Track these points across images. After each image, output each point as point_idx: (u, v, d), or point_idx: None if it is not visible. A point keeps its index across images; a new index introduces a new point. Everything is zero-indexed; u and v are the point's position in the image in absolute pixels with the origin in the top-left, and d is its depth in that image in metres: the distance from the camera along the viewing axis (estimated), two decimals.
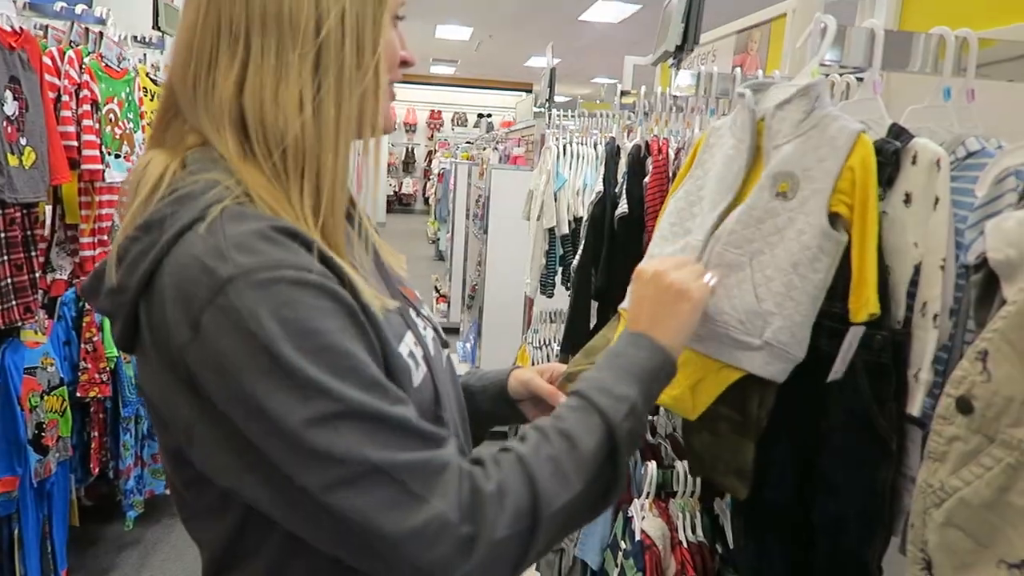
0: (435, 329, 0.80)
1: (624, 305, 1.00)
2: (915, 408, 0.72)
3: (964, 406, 0.62)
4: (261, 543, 0.65)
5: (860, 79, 1.29)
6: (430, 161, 14.18)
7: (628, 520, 1.58)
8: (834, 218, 0.78)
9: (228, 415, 0.57)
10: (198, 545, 0.71)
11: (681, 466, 1.52)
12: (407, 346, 0.68)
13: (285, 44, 0.64)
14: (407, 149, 15.26)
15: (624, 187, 1.62)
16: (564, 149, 2.53)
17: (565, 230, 2.48)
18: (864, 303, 0.76)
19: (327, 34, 0.64)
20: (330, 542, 0.59)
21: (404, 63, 0.73)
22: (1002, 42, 0.86)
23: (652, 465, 1.50)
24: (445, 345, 0.82)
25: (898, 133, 0.76)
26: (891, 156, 0.75)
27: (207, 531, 0.68)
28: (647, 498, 1.51)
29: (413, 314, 0.76)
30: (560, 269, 2.55)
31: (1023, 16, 1.11)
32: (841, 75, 1.24)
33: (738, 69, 1.35)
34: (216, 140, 0.65)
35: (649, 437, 1.89)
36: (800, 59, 0.87)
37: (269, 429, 0.56)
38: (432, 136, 14.99)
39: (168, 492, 2.78)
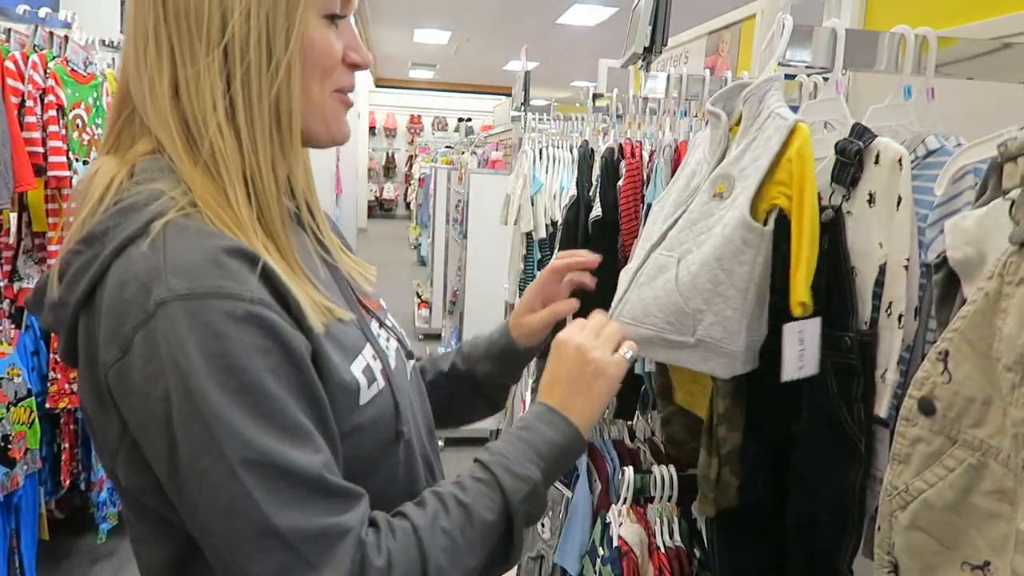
0: (399, 341, 0.79)
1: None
2: (882, 409, 0.72)
3: (926, 407, 0.62)
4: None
5: (826, 79, 1.29)
6: (411, 166, 14.14)
7: (606, 526, 1.57)
8: (776, 211, 0.78)
9: (142, 439, 0.56)
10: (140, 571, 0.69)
11: (658, 471, 1.52)
12: (364, 360, 0.67)
13: (195, 44, 0.62)
14: (387, 154, 15.21)
15: (598, 191, 1.61)
16: (540, 153, 2.52)
17: (543, 234, 2.48)
18: (794, 294, 0.76)
19: (232, 33, 0.62)
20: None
21: (354, 66, 0.71)
22: (962, 40, 0.87)
23: (630, 470, 1.49)
24: (410, 356, 0.81)
25: (860, 133, 0.76)
26: (854, 156, 0.75)
27: (147, 555, 0.66)
28: (624, 504, 1.50)
29: (375, 326, 0.74)
30: (538, 273, 2.53)
31: (985, 14, 1.12)
32: (809, 75, 1.24)
33: (707, 71, 1.35)
34: (167, 143, 0.63)
35: (628, 442, 1.88)
36: (768, 60, 0.86)
37: (177, 465, 0.55)
38: (412, 141, 14.95)
39: None
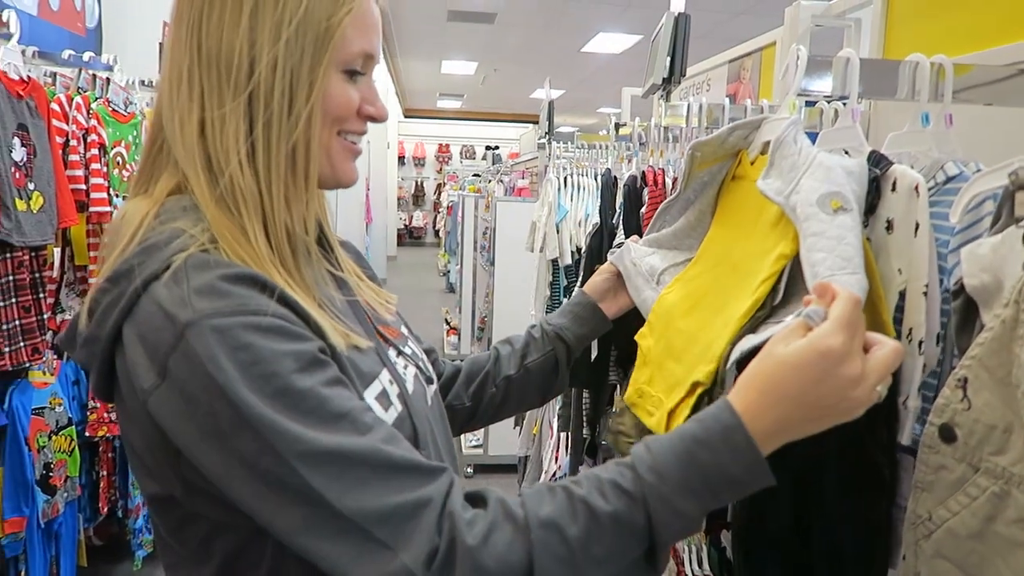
0: (419, 367, 0.80)
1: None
2: (904, 436, 0.72)
3: (947, 434, 0.62)
4: None
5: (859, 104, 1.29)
6: (439, 194, 14.30)
7: None
8: None
9: (196, 458, 0.58)
10: None
11: None
12: (380, 385, 0.69)
13: (223, 86, 0.66)
14: (416, 182, 15.42)
15: (621, 218, 1.62)
16: (565, 181, 2.55)
17: (568, 261, 2.49)
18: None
19: (258, 80, 0.65)
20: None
21: (370, 118, 0.74)
22: (979, 67, 0.87)
23: None
24: (430, 382, 0.82)
25: (877, 160, 0.76)
26: (871, 183, 0.75)
27: None
28: None
29: (393, 353, 0.76)
30: (564, 299, 2.55)
31: (1003, 40, 1.12)
32: (829, 102, 1.25)
33: (728, 99, 1.36)
34: (191, 176, 0.67)
35: None
36: (786, 91, 0.88)
37: (237, 473, 0.57)
38: (441, 169, 15.14)
39: None
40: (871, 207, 0.78)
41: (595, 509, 0.57)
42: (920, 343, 0.71)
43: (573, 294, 1.03)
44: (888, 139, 0.87)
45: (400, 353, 0.78)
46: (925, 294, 0.70)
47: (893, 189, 0.75)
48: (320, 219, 0.77)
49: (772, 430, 0.59)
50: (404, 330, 0.85)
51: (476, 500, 0.61)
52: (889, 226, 0.76)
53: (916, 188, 0.72)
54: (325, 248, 0.78)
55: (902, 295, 0.74)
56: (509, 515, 0.58)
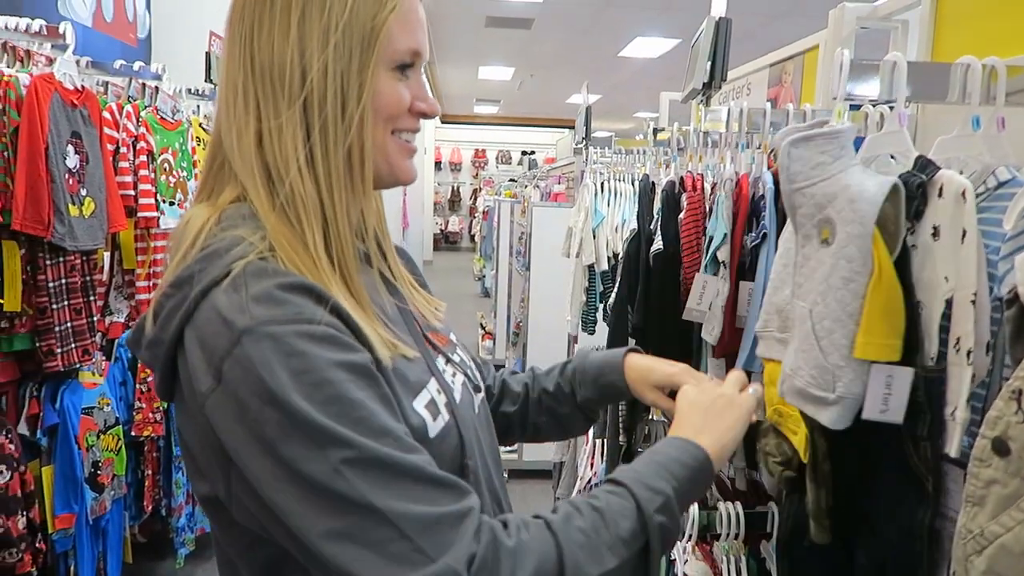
0: (467, 375, 0.80)
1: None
2: (952, 448, 0.70)
3: (1000, 448, 0.60)
4: None
5: (893, 108, 1.26)
6: (475, 199, 14.37)
7: (671, 564, 1.54)
8: None
9: (243, 461, 0.59)
10: None
11: (724, 507, 1.48)
12: (428, 394, 0.69)
13: (278, 96, 0.68)
14: (453, 188, 15.51)
15: (659, 224, 1.61)
16: (602, 186, 2.54)
17: (605, 266, 2.48)
18: (861, 337, 0.75)
19: (311, 87, 0.67)
20: None
21: (422, 114, 0.75)
22: None
23: (694, 507, 1.47)
24: (478, 390, 0.82)
25: (924, 166, 0.75)
26: (916, 189, 0.74)
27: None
28: (690, 541, 1.47)
29: (442, 361, 0.77)
30: (601, 306, 2.54)
31: None
32: (875, 106, 1.22)
33: (768, 103, 1.35)
34: (250, 188, 0.69)
35: None
36: (832, 96, 0.86)
37: (281, 477, 0.58)
38: (477, 174, 15.20)
39: None
40: (917, 213, 0.76)
41: (594, 504, 0.66)
42: (968, 353, 0.69)
43: (614, 362, 0.95)
44: (936, 143, 0.85)
45: (448, 361, 0.79)
46: (974, 302, 0.69)
47: (940, 195, 0.74)
48: (376, 225, 0.78)
49: (698, 432, 0.76)
50: (453, 337, 0.86)
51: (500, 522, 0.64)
52: (936, 233, 0.74)
53: (963, 194, 0.70)
54: (381, 253, 0.80)
55: (948, 303, 0.73)
56: (530, 521, 0.64)
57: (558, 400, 0.97)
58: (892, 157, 0.91)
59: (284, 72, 0.68)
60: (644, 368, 0.93)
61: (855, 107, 1.31)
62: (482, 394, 0.84)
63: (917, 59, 1.39)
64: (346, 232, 0.69)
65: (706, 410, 0.79)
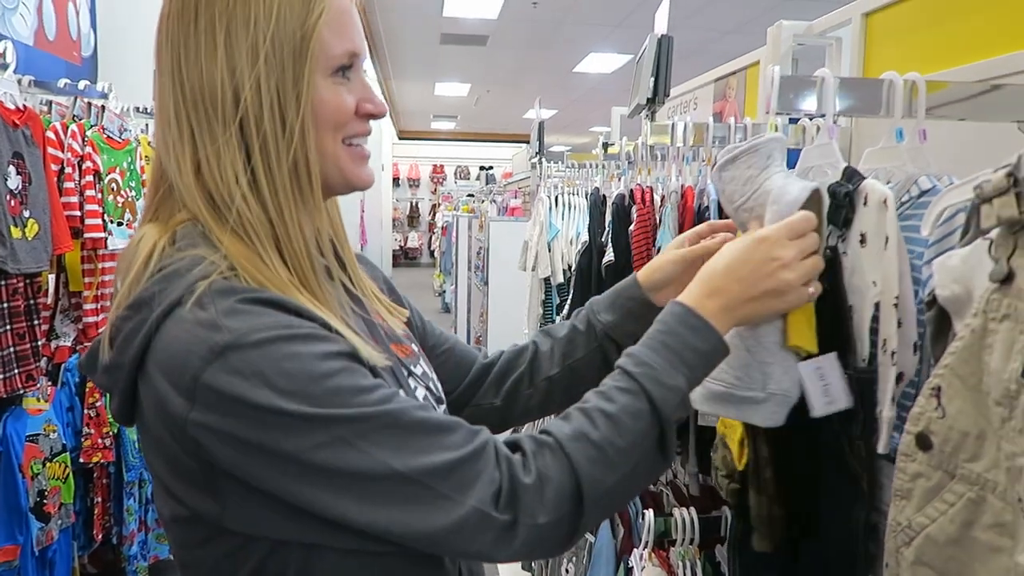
0: (429, 389, 0.79)
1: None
2: (881, 445, 0.73)
3: (923, 442, 0.63)
4: None
5: (835, 121, 1.32)
6: (434, 215, 14.35)
7: (629, 570, 1.56)
8: None
9: (250, 472, 0.59)
10: None
11: (679, 513, 1.51)
12: None
13: (212, 121, 0.66)
14: (411, 204, 15.47)
15: (610, 236, 1.65)
16: (556, 200, 2.57)
17: (560, 279, 2.51)
18: (789, 339, 0.77)
19: (245, 106, 0.65)
20: (387, 545, 0.61)
21: (369, 115, 0.72)
22: (952, 83, 0.89)
23: (650, 513, 1.49)
24: (440, 402, 0.82)
25: (851, 175, 0.79)
26: (844, 198, 0.77)
27: None
28: (647, 548, 1.49)
29: (405, 373, 0.76)
30: (557, 318, 2.56)
31: (978, 56, 1.15)
32: (811, 119, 1.27)
33: (712, 118, 1.39)
34: (198, 216, 0.67)
35: (651, 485, 1.87)
36: (766, 112, 0.90)
37: (299, 473, 0.59)
38: (436, 190, 15.19)
39: (172, 557, 2.76)
40: (847, 221, 0.80)
41: (607, 411, 0.66)
42: (893, 353, 0.73)
43: (625, 280, 0.92)
44: (864, 155, 0.90)
45: (411, 374, 0.78)
46: (895, 305, 0.72)
47: (865, 203, 0.78)
48: (334, 235, 0.77)
49: (719, 306, 0.72)
50: (415, 347, 0.85)
51: (512, 447, 0.66)
52: (863, 240, 0.78)
53: (885, 202, 0.74)
54: (340, 264, 0.78)
55: (877, 307, 0.76)
56: (543, 444, 0.65)
57: (573, 343, 0.90)
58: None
59: (216, 95, 0.65)
60: (659, 264, 0.89)
61: (794, 120, 1.36)
62: (444, 406, 0.83)
63: (850, 74, 1.45)
64: (301, 248, 0.68)
65: (745, 284, 0.71)
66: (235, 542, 0.64)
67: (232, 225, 0.66)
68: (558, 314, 2.54)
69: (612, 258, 1.61)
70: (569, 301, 1.88)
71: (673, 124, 1.38)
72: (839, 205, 0.78)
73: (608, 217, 1.68)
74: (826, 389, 0.78)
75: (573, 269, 1.90)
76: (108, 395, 0.69)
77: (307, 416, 0.57)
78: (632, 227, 1.58)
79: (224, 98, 0.66)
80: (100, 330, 2.51)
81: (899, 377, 0.73)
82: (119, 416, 0.66)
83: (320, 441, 0.58)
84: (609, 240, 1.64)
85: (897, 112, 0.86)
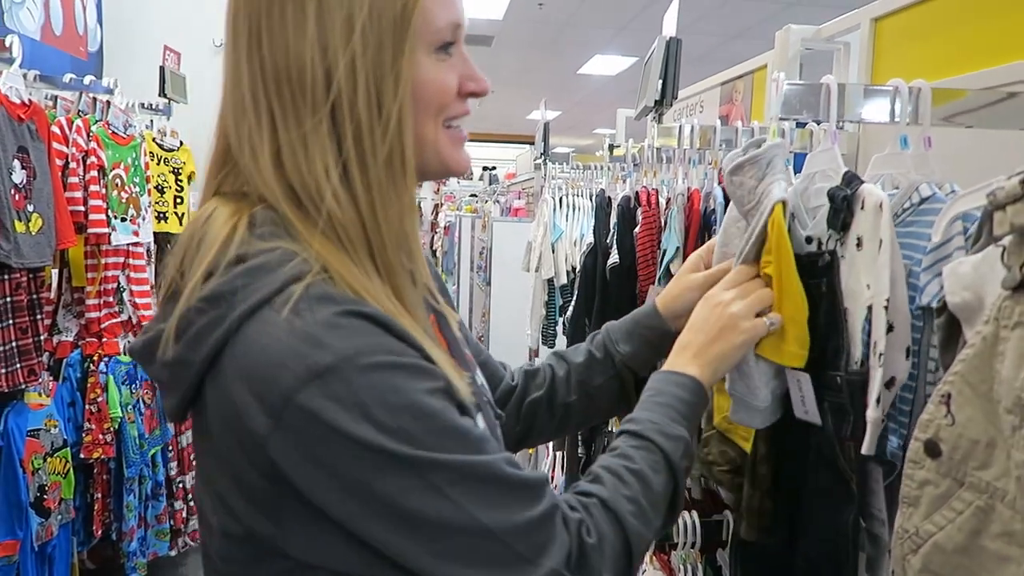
0: (489, 403, 0.74)
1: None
2: (864, 446, 0.73)
3: (932, 450, 0.63)
4: None
5: (841, 127, 1.31)
6: (437, 214, 14.35)
7: None
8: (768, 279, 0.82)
9: (326, 502, 0.54)
10: None
11: (681, 517, 1.51)
12: (482, 423, 0.65)
13: (299, 107, 0.58)
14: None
15: (615, 238, 1.64)
16: (560, 201, 2.57)
17: (564, 280, 2.51)
18: (785, 349, 0.81)
19: (338, 89, 0.57)
20: None
21: (471, 94, 0.66)
22: (958, 91, 0.89)
23: None
24: (499, 418, 0.76)
25: (850, 180, 0.79)
26: (842, 202, 0.78)
27: None
28: (648, 550, 1.49)
29: (484, 400, 0.72)
30: (561, 319, 2.56)
31: (988, 63, 1.15)
32: (819, 124, 1.27)
33: (719, 120, 1.39)
34: (284, 216, 0.59)
35: None
36: (770, 118, 0.90)
37: (379, 514, 0.54)
38: (439, 190, 15.18)
39: (172, 554, 2.76)
40: (844, 225, 0.80)
41: (632, 468, 0.67)
42: (880, 356, 0.73)
43: (644, 308, 0.92)
44: (872, 161, 0.89)
45: (488, 402, 0.74)
46: (886, 308, 0.72)
47: (862, 207, 0.78)
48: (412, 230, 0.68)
49: (689, 357, 0.78)
50: (469, 352, 0.79)
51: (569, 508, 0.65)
52: (859, 243, 0.78)
53: (880, 206, 0.74)
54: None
55: (870, 309, 0.76)
56: (591, 503, 0.64)
57: (591, 370, 0.89)
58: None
59: (304, 75, 0.57)
60: (677, 292, 0.89)
61: (800, 125, 1.36)
62: (500, 421, 0.78)
63: (858, 80, 1.45)
64: (395, 253, 0.61)
65: (704, 328, 0.78)
66: (286, 566, 0.58)
67: (321, 229, 0.58)
68: (561, 315, 2.54)
69: (617, 260, 1.61)
70: (573, 303, 1.87)
71: (680, 126, 1.37)
72: (837, 209, 0.78)
73: (613, 219, 1.68)
74: (803, 400, 0.83)
75: (577, 270, 1.90)
76: (162, 390, 0.62)
77: (404, 457, 0.53)
78: (637, 229, 1.58)
79: (314, 79, 0.58)
80: (146, 317, 2.52)
81: (891, 382, 0.73)
82: (174, 415, 0.60)
83: (412, 485, 0.53)
84: (614, 242, 1.64)
85: (903, 119, 0.85)
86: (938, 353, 0.68)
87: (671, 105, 1.29)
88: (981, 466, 0.60)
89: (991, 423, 0.59)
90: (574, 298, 1.87)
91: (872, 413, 0.72)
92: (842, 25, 1.57)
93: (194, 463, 0.61)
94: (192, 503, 2.84)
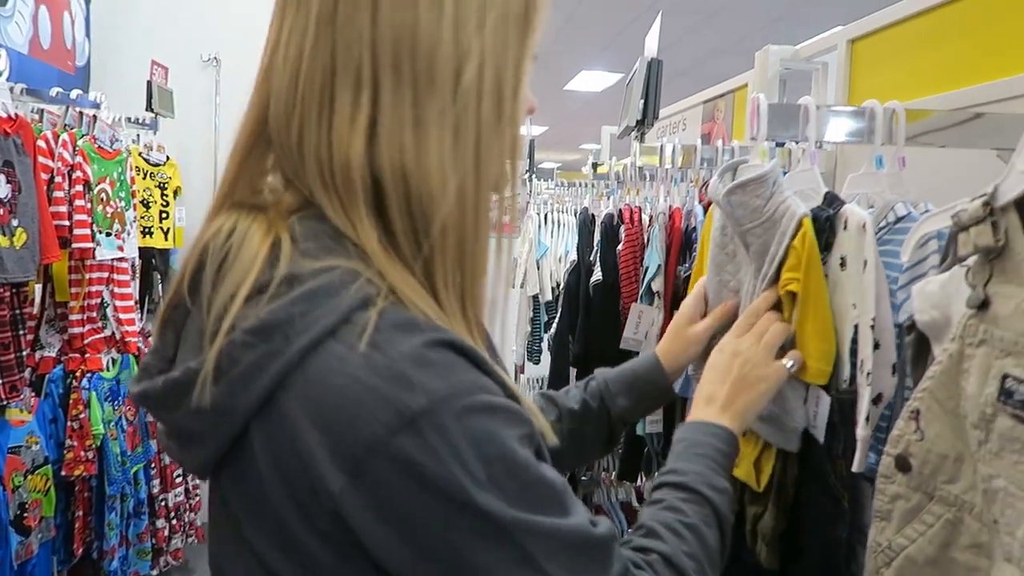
0: None
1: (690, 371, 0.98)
2: (856, 464, 0.75)
3: (902, 464, 0.64)
4: None
5: (820, 147, 1.34)
6: None
7: None
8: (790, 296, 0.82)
9: (406, 567, 0.48)
10: None
11: None
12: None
13: (422, 93, 0.50)
14: None
15: (598, 255, 1.66)
16: (545, 218, 2.59)
17: (549, 297, 2.53)
18: (812, 365, 0.81)
19: (467, 83, 0.50)
20: None
21: (529, 111, 0.60)
22: (934, 111, 0.92)
23: None
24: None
25: (831, 200, 0.81)
26: (825, 223, 0.79)
27: None
28: None
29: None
30: (546, 335, 2.57)
31: (960, 84, 1.18)
32: (797, 143, 1.30)
33: (700, 139, 1.41)
34: (330, 207, 0.51)
35: (635, 504, 1.87)
36: (752, 139, 0.92)
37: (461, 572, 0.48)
38: None
39: (154, 573, 2.73)
40: (827, 245, 0.82)
41: (687, 523, 0.65)
42: (868, 374, 0.74)
43: (645, 363, 0.90)
44: (847, 180, 0.92)
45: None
46: (872, 327, 0.74)
47: (845, 227, 0.79)
48: None
49: (718, 409, 0.76)
50: None
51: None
52: (843, 263, 0.79)
53: (863, 226, 0.76)
54: None
55: (856, 328, 0.78)
56: (654, 560, 0.61)
57: (584, 418, 0.87)
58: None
59: (435, 61, 0.50)
60: (681, 349, 0.89)
61: (779, 144, 1.38)
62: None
63: (836, 99, 1.48)
64: (483, 271, 0.54)
65: (727, 380, 0.77)
66: None
67: (432, 242, 0.50)
68: (546, 331, 2.55)
69: (600, 277, 1.62)
70: (558, 319, 1.89)
71: (662, 145, 1.40)
72: (820, 230, 0.80)
73: (597, 236, 1.70)
74: (815, 415, 0.84)
75: (561, 287, 1.92)
76: (187, 441, 0.51)
77: (501, 520, 0.46)
78: (620, 247, 1.60)
79: (444, 69, 0.50)
80: (130, 333, 2.44)
81: (878, 398, 0.75)
82: (202, 470, 0.51)
83: (506, 557, 0.47)
84: (597, 259, 1.65)
85: (877, 139, 0.88)
86: (909, 369, 0.69)
87: (652, 125, 1.32)
88: (950, 480, 0.61)
89: (959, 438, 0.60)
90: (558, 315, 1.89)
91: (862, 431, 0.73)
92: (820, 45, 1.60)
93: (208, 522, 0.56)
94: (175, 521, 2.81)
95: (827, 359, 0.80)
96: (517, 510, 0.47)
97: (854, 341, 0.76)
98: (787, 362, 0.80)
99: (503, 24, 0.52)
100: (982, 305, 0.57)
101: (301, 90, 0.51)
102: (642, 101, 1.28)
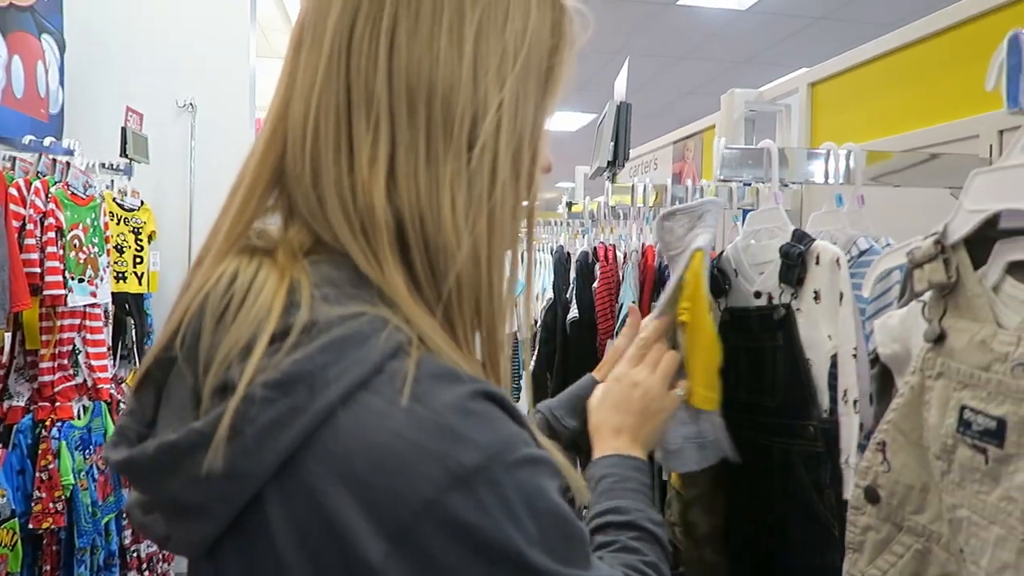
0: None
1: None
2: (847, 493, 0.76)
3: (871, 496, 0.66)
4: None
5: (785, 186, 1.38)
6: None
7: None
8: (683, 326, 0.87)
9: None
10: None
11: None
12: None
13: (435, 136, 0.48)
14: None
15: (574, 292, 1.68)
16: (522, 256, 2.61)
17: (525, 334, 2.53)
18: (697, 392, 0.85)
19: (485, 131, 0.48)
20: None
21: (545, 169, 0.58)
22: (888, 153, 0.96)
23: None
24: None
25: (800, 237, 0.84)
26: (796, 258, 0.82)
27: None
28: None
29: None
30: (524, 373, 2.57)
31: (917, 125, 1.23)
32: (764, 183, 1.34)
33: (670, 178, 1.45)
34: (355, 247, 0.48)
35: None
36: (713, 178, 0.95)
37: None
38: None
39: None
40: (799, 280, 0.84)
41: (648, 562, 0.65)
42: (855, 403, 0.76)
43: (583, 381, 0.93)
44: (810, 218, 0.95)
45: None
46: (855, 356, 0.76)
47: (817, 263, 0.82)
48: None
49: (629, 440, 0.78)
50: None
51: None
52: (816, 296, 0.82)
53: (837, 261, 0.79)
54: None
55: (834, 360, 0.80)
56: None
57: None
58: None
59: (453, 105, 0.48)
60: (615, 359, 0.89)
61: (747, 184, 1.42)
62: None
63: (799, 140, 1.53)
64: (504, 324, 0.52)
65: (631, 411, 0.79)
66: None
67: (422, 277, 0.48)
68: (524, 369, 2.55)
69: (576, 314, 1.64)
70: (535, 357, 1.90)
71: (634, 185, 1.43)
72: (791, 265, 0.83)
73: (572, 274, 1.72)
74: (719, 440, 0.89)
75: (538, 325, 1.93)
76: (187, 512, 0.45)
77: (549, 570, 0.44)
78: (596, 284, 1.62)
79: (463, 114, 0.48)
80: (102, 380, 2.38)
81: (859, 427, 0.77)
82: (199, 547, 0.45)
83: None
84: (573, 297, 1.67)
85: (837, 179, 0.91)
86: (874, 401, 0.71)
87: (623, 166, 1.35)
88: (917, 510, 0.63)
89: (924, 469, 0.62)
90: (535, 353, 1.89)
91: (854, 460, 0.75)
92: (782, 88, 1.66)
93: None
94: (147, 573, 2.73)
95: (713, 387, 0.85)
96: (561, 565, 0.45)
97: (832, 374, 0.79)
98: (679, 391, 0.84)
99: (524, 75, 0.50)
100: (938, 339, 0.59)
101: (318, 129, 0.49)
102: (612, 143, 1.32)
